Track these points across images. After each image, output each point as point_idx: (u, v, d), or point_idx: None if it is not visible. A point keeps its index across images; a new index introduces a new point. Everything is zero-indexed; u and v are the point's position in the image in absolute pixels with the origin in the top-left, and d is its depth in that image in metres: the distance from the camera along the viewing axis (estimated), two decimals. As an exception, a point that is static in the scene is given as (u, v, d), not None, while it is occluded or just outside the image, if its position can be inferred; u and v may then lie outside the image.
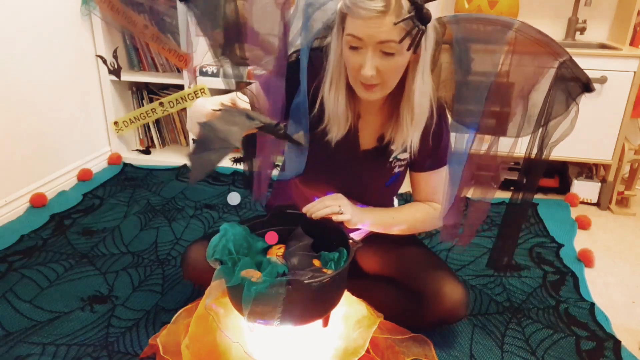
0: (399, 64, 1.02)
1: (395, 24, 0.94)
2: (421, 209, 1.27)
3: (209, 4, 1.08)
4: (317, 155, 1.19)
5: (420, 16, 0.94)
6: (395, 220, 1.23)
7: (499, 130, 1.08)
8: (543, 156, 1.09)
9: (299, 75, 1.09)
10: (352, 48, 1.01)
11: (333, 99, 1.11)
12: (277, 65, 1.10)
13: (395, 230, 1.24)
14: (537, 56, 1.04)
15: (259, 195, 1.20)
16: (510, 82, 1.05)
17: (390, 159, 1.21)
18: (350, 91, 1.12)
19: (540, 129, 1.07)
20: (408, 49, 0.98)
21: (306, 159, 1.16)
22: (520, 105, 1.07)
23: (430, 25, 1.00)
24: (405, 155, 1.22)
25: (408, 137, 1.13)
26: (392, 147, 1.18)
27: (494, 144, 1.10)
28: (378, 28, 0.96)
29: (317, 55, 1.12)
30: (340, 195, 1.17)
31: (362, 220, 1.18)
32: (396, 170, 1.23)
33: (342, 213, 1.11)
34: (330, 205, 1.11)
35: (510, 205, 1.19)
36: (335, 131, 1.15)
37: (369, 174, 1.24)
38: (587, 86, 1.02)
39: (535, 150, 1.10)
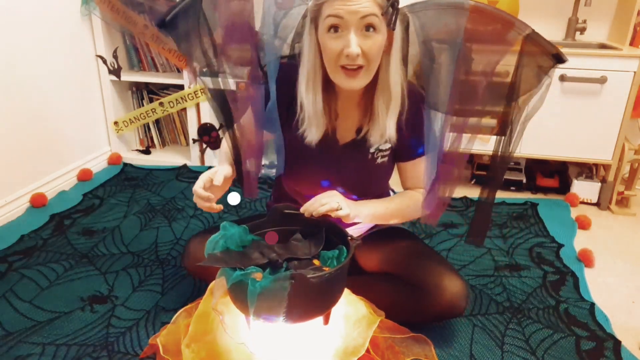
0: (380, 43, 1.05)
1: None
2: (411, 195, 1.27)
3: (184, 27, 1.12)
4: (299, 155, 1.22)
5: None
6: (388, 210, 1.24)
7: (468, 112, 1.09)
8: (516, 132, 1.09)
9: (292, 79, 1.14)
10: (332, 30, 1.03)
11: (311, 99, 1.13)
12: (252, 75, 1.15)
13: (391, 221, 1.25)
14: (498, 34, 1.04)
15: (249, 193, 1.23)
16: (475, 63, 1.06)
17: (372, 150, 1.22)
18: (326, 91, 1.14)
19: (511, 105, 1.07)
20: (388, 24, 1.02)
21: (284, 161, 1.22)
22: (487, 84, 1.07)
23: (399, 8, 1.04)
24: (388, 146, 1.22)
25: (385, 127, 1.15)
26: (371, 140, 1.18)
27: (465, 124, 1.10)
28: (358, 4, 0.99)
29: (294, 62, 1.16)
30: (334, 192, 1.17)
31: (359, 214, 1.18)
32: (379, 161, 1.24)
33: (340, 209, 1.11)
34: (328, 202, 1.11)
35: (488, 172, 1.18)
36: (314, 132, 1.17)
37: (352, 167, 1.24)
38: (557, 57, 1.02)
39: (507, 127, 1.10)
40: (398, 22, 1.06)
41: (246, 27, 1.15)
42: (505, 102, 1.07)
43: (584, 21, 2.25)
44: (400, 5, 1.09)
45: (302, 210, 1.13)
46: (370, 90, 1.14)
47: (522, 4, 2.17)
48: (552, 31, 2.35)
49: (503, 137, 1.12)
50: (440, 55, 1.09)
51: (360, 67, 1.06)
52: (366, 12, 1.00)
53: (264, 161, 1.25)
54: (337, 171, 1.25)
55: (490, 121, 2.27)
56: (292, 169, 1.30)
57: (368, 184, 1.29)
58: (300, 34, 1.15)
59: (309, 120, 1.16)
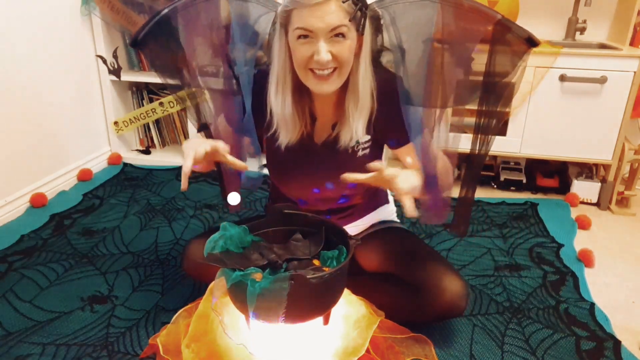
0: (350, 47, 1.05)
1: (344, 1, 1.00)
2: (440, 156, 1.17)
3: (157, 45, 1.15)
4: (282, 158, 1.23)
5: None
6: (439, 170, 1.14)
7: (444, 102, 1.09)
8: (495, 118, 1.09)
9: (265, 86, 1.15)
10: (302, 39, 1.04)
11: (280, 103, 1.13)
12: (226, 87, 1.17)
13: (445, 183, 1.14)
14: (468, 22, 1.04)
15: (234, 208, 1.22)
16: (448, 54, 1.06)
17: (352, 144, 1.21)
18: (299, 94, 1.15)
19: (488, 92, 1.07)
20: (357, 30, 1.03)
21: (262, 170, 1.22)
22: (462, 73, 1.08)
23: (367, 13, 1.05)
24: (367, 137, 1.22)
25: (353, 127, 1.15)
26: (341, 140, 1.18)
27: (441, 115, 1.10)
28: (325, 15, 1.00)
29: (266, 69, 1.17)
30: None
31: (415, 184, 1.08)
32: (360, 153, 1.23)
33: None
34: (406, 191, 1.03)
35: (469, 157, 1.15)
36: (284, 135, 1.18)
37: (334, 164, 1.23)
38: (530, 40, 1.02)
39: (485, 110, 1.09)
40: (367, 24, 1.07)
41: (217, 40, 1.17)
42: (482, 90, 1.07)
43: (584, 21, 2.25)
44: (370, 1, 1.10)
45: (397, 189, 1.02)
46: (343, 90, 1.14)
47: (522, 4, 2.17)
48: (552, 31, 2.35)
49: (481, 125, 1.11)
50: (412, 48, 1.09)
51: (332, 71, 1.07)
52: (335, 24, 1.01)
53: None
54: (320, 170, 1.24)
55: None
56: (276, 172, 1.31)
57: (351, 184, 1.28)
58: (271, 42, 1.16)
59: (278, 124, 1.17)
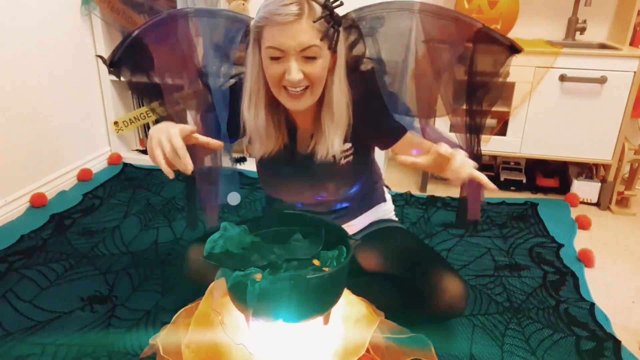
0: (322, 66, 1.04)
1: (315, 21, 0.97)
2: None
3: (131, 67, 1.17)
4: (268, 168, 1.23)
5: (333, 18, 0.99)
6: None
7: (429, 112, 1.09)
8: (480, 122, 1.10)
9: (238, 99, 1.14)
10: (273, 60, 1.02)
11: (253, 116, 1.12)
12: (200, 102, 1.17)
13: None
14: (450, 31, 1.04)
15: (211, 221, 1.20)
16: (430, 63, 1.06)
17: (329, 158, 1.20)
18: (275, 106, 1.13)
19: (471, 98, 1.08)
20: (329, 48, 1.01)
21: (238, 188, 1.22)
22: (445, 82, 1.07)
23: (340, 30, 1.03)
24: (347, 145, 1.21)
25: (330, 144, 1.14)
26: (318, 154, 1.17)
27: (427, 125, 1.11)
28: (296, 34, 0.98)
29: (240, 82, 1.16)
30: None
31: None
32: (343, 161, 1.23)
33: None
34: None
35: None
36: (259, 147, 1.17)
37: (320, 175, 1.23)
38: (512, 47, 1.02)
39: (469, 119, 1.11)
40: (342, 41, 1.06)
41: (188, 58, 1.16)
42: (466, 97, 1.07)
43: (584, 21, 2.25)
44: (353, 10, 1.09)
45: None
46: (320, 103, 1.13)
47: (522, 4, 2.17)
48: (552, 31, 2.35)
49: (471, 136, 1.12)
50: (391, 58, 1.09)
51: (305, 89, 1.05)
52: (306, 44, 0.99)
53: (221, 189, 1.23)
54: (305, 180, 1.25)
55: (491, 121, 2.28)
56: (265, 182, 1.32)
57: (344, 185, 1.28)
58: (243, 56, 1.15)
59: (251, 136, 1.16)
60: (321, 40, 1.00)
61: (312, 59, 1.01)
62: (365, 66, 1.15)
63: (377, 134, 1.20)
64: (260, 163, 1.27)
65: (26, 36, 1.97)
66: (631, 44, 2.10)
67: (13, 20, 1.90)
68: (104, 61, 1.22)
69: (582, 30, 2.26)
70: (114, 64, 1.16)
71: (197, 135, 1.02)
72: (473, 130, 1.12)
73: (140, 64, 1.17)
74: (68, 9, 2.20)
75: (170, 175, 0.95)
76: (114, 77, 2.43)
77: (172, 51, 1.17)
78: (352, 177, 1.28)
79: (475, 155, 1.10)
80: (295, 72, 1.01)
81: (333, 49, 1.03)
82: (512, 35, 2.21)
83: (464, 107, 1.11)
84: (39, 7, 2.02)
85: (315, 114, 1.16)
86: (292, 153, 1.22)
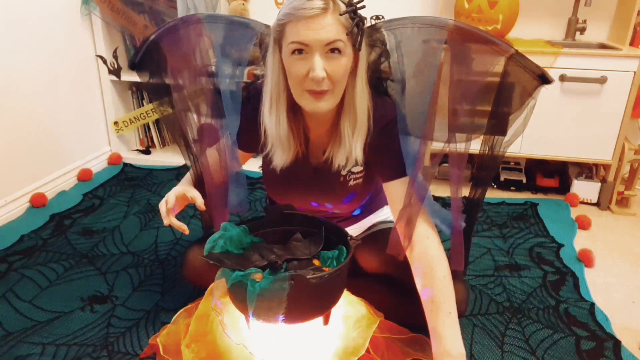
0: (345, 65, 1.01)
1: (341, 14, 0.97)
2: (443, 284, 1.08)
3: (150, 69, 1.18)
4: (276, 177, 1.20)
5: (357, 15, 0.99)
6: (455, 316, 1.09)
7: (446, 136, 1.05)
8: (496, 153, 1.07)
9: (257, 104, 1.13)
10: (296, 55, 0.99)
11: (275, 122, 1.09)
12: (212, 110, 1.17)
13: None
14: (480, 54, 1.01)
15: (219, 223, 1.18)
16: (454, 86, 1.02)
17: (344, 173, 1.18)
18: (293, 113, 1.11)
19: (494, 128, 1.04)
20: (354, 44, 0.99)
21: (246, 192, 1.21)
22: (469, 106, 1.04)
23: (364, 29, 1.02)
24: (359, 168, 1.19)
25: (351, 149, 1.09)
26: (335, 162, 1.13)
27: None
28: (322, 28, 0.96)
29: (258, 87, 1.16)
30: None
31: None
32: (352, 183, 1.21)
33: None
34: None
35: (468, 201, 1.17)
36: (280, 155, 1.13)
37: (326, 190, 1.22)
38: (543, 77, 0.98)
39: (487, 149, 1.08)
40: (364, 42, 1.03)
41: (201, 64, 1.17)
42: (488, 125, 1.04)
43: (584, 21, 2.25)
44: (382, 21, 1.07)
45: None
46: (338, 112, 1.10)
47: (522, 4, 2.17)
48: (552, 31, 2.35)
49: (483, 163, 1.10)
50: (414, 75, 1.05)
51: (325, 91, 1.02)
52: (331, 39, 0.97)
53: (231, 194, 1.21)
54: (312, 193, 1.24)
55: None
56: (271, 189, 1.31)
57: (349, 204, 1.28)
58: (259, 59, 1.14)
59: (273, 144, 1.13)
60: (347, 35, 0.98)
61: (336, 54, 0.99)
62: (390, 89, 1.12)
63: (385, 158, 1.14)
64: (269, 172, 1.22)
65: (26, 36, 1.97)
66: (631, 44, 2.10)
67: (13, 20, 1.90)
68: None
69: (582, 30, 2.26)
70: (136, 66, 1.17)
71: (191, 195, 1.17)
72: (480, 181, 1.11)
73: (156, 67, 1.18)
74: (68, 9, 2.20)
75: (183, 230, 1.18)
76: (114, 77, 2.43)
77: (185, 55, 1.17)
78: (359, 195, 1.27)
79: (492, 160, 1.08)
80: (319, 68, 0.97)
81: (358, 47, 1.01)
82: (512, 35, 2.21)
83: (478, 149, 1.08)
84: (39, 7, 2.02)
85: (333, 121, 1.13)
86: (305, 164, 1.19)
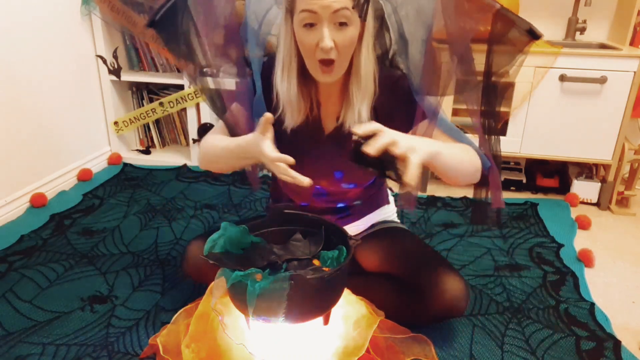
0: (353, 36, 1.06)
1: None
2: (465, 147, 1.14)
3: (172, 27, 1.16)
4: (288, 146, 1.19)
5: None
6: (454, 149, 1.10)
7: (444, 90, 1.09)
8: (495, 108, 1.10)
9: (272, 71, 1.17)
10: (307, 26, 1.04)
11: (286, 86, 1.15)
12: (238, 70, 1.20)
13: (453, 168, 1.09)
14: (467, 12, 1.04)
15: (255, 187, 1.27)
16: (448, 42, 1.07)
17: (355, 138, 1.21)
18: (303, 78, 1.16)
19: (485, 83, 1.07)
20: (360, 15, 1.05)
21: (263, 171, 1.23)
22: (460, 63, 1.07)
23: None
24: None
25: (359, 113, 1.15)
26: (345, 124, 1.18)
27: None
28: None
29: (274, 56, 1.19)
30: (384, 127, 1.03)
31: (427, 150, 1.03)
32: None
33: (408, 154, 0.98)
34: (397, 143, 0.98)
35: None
36: (290, 118, 1.19)
37: (339, 156, 1.22)
38: (531, 32, 1.01)
39: (484, 105, 1.10)
40: (370, 12, 1.08)
41: (230, 24, 1.18)
42: (483, 82, 1.07)
43: (584, 21, 2.25)
44: None
45: (358, 131, 0.99)
46: (347, 78, 1.16)
47: (522, 3, 2.17)
48: (552, 31, 2.35)
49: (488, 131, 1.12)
50: (413, 37, 1.11)
51: (332, 62, 1.08)
52: (338, 7, 1.01)
53: None
54: (325, 160, 1.24)
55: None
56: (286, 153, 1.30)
57: (360, 171, 1.27)
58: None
59: (284, 106, 1.18)
60: (353, 8, 1.03)
61: (343, 25, 1.04)
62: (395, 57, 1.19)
63: (393, 121, 1.15)
64: (282, 141, 1.22)
65: (26, 36, 1.97)
66: (631, 44, 2.10)
67: (13, 20, 1.90)
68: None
69: (582, 30, 2.26)
70: (155, 24, 1.15)
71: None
72: (490, 128, 1.11)
73: (180, 24, 1.17)
74: (68, 9, 2.20)
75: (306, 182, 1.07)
76: (114, 77, 2.43)
77: (215, 13, 1.19)
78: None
79: (495, 155, 1.12)
80: (327, 38, 1.03)
81: (363, 17, 1.06)
82: (512, 35, 2.21)
83: (477, 106, 1.10)
84: (39, 7, 2.02)
85: (342, 87, 1.18)
86: (317, 130, 1.23)
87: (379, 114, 1.19)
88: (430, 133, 1.14)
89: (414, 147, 0.97)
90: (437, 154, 1.02)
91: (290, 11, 1.08)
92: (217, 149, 1.21)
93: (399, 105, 1.17)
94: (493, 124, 1.12)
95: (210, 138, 1.26)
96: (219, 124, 1.29)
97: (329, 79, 1.11)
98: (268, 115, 1.06)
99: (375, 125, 0.98)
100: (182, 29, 1.17)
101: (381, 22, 1.16)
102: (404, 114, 1.16)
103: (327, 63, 1.07)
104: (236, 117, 1.23)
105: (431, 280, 1.19)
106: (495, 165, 1.14)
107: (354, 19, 1.05)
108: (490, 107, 1.10)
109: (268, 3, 1.19)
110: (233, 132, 1.24)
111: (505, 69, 1.06)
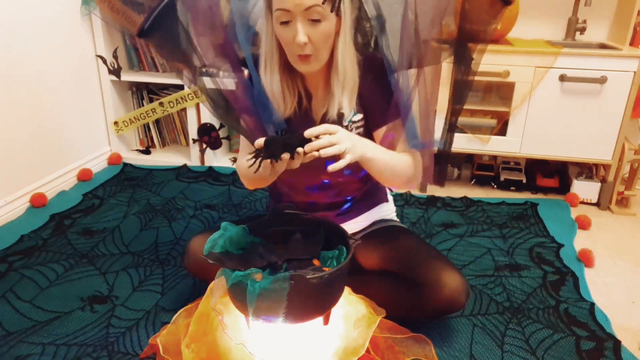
0: (327, 30, 1.09)
1: None
2: (403, 155, 1.20)
3: (163, 33, 1.19)
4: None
5: None
6: (386, 156, 1.15)
7: (419, 62, 1.11)
8: (470, 73, 1.11)
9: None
10: (283, 24, 1.09)
11: (269, 80, 1.18)
12: (233, 68, 1.20)
13: (384, 172, 1.16)
14: None
15: None
16: (421, 12, 1.09)
17: (345, 124, 1.23)
18: (288, 70, 1.19)
19: (461, 49, 1.09)
20: (331, 11, 1.07)
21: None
22: (435, 33, 1.10)
23: None
24: (360, 116, 1.24)
25: (340, 105, 1.18)
26: (329, 114, 1.20)
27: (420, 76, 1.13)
28: None
29: None
30: (337, 127, 1.07)
31: (360, 153, 1.09)
32: (354, 132, 1.24)
33: (345, 153, 1.03)
34: (336, 144, 1.03)
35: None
36: (277, 110, 1.21)
37: None
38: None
39: (459, 72, 1.12)
40: (346, 4, 1.11)
41: (219, 23, 1.20)
42: (455, 48, 1.09)
43: (584, 21, 2.25)
44: None
45: (306, 134, 1.02)
46: (329, 70, 1.19)
47: (522, 4, 2.17)
48: (552, 31, 2.35)
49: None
50: (389, 14, 1.13)
51: (309, 56, 1.11)
52: (309, 4, 1.05)
53: None
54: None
55: (490, 121, 2.28)
56: None
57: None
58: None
59: (270, 99, 1.20)
60: (323, 3, 1.05)
61: (316, 21, 1.07)
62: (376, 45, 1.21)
63: (377, 106, 1.22)
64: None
65: (26, 36, 1.97)
66: (631, 44, 2.10)
67: (13, 20, 1.90)
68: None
69: (582, 30, 2.26)
70: (144, 33, 1.18)
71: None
72: (456, 98, 1.13)
73: (171, 30, 1.19)
74: (68, 9, 2.20)
75: None
76: (114, 77, 2.43)
77: (204, 15, 1.21)
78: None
79: (450, 125, 1.14)
80: (301, 34, 1.07)
81: (336, 12, 1.09)
82: (512, 35, 2.21)
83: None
84: (40, 7, 2.02)
85: (326, 79, 1.20)
86: (307, 119, 1.25)
87: (364, 101, 1.22)
88: (400, 134, 1.17)
89: (351, 149, 1.04)
90: (369, 160, 1.10)
91: (269, 7, 1.12)
92: (250, 171, 1.20)
93: (383, 83, 1.17)
94: (454, 120, 1.14)
95: (241, 163, 1.27)
96: (242, 142, 1.31)
97: (309, 68, 1.14)
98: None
99: (325, 128, 1.03)
100: (172, 34, 1.19)
101: (360, 11, 1.18)
102: (387, 90, 1.16)
103: (303, 57, 1.11)
104: (250, 127, 1.24)
105: (431, 275, 1.20)
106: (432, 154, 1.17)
107: (327, 14, 1.08)
108: (463, 68, 1.11)
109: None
110: (252, 141, 1.23)
111: (480, 34, 1.08)
